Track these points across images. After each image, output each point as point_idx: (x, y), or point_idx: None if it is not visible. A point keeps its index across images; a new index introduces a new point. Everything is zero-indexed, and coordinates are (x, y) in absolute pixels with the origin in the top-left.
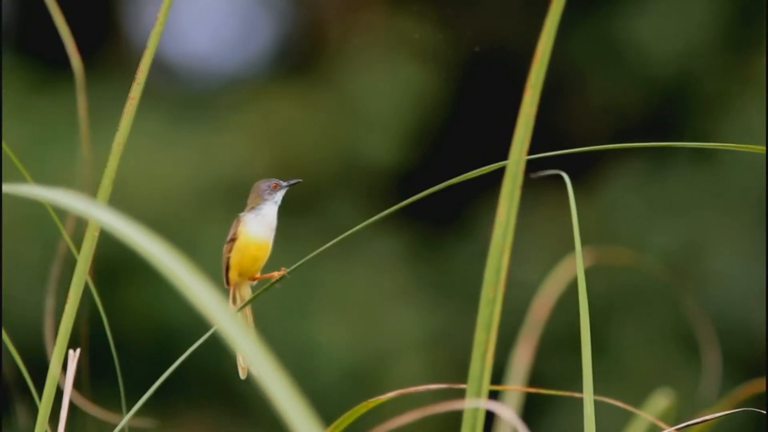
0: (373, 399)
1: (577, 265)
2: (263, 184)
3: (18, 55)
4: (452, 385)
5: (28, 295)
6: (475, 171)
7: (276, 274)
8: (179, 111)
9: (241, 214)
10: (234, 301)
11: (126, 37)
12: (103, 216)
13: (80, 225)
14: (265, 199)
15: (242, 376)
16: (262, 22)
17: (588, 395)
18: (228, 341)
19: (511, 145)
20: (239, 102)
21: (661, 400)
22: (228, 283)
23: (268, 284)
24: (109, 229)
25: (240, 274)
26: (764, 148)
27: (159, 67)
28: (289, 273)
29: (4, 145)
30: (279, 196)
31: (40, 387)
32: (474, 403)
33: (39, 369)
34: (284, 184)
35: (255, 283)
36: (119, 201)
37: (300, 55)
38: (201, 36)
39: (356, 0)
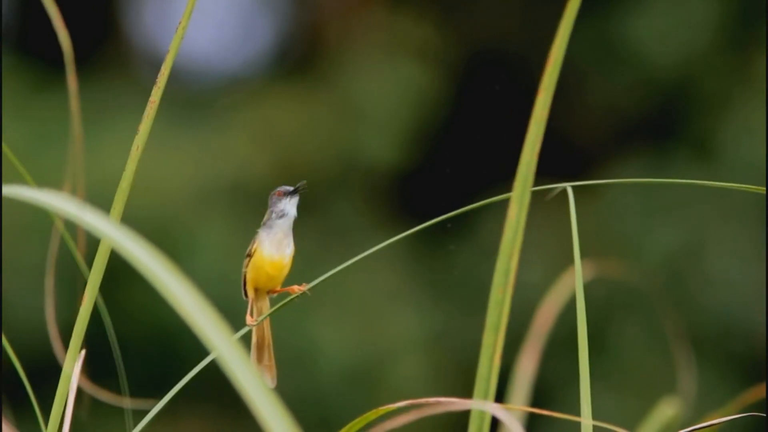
0: (384, 407)
1: (575, 270)
2: (270, 195)
3: (18, 55)
4: (460, 399)
5: (27, 298)
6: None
7: (296, 289)
8: (179, 111)
9: (258, 231)
10: (252, 313)
11: (126, 37)
12: (103, 227)
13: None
14: (273, 213)
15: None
16: (262, 22)
17: (585, 402)
18: (219, 358)
19: (523, 147)
20: (239, 102)
21: (666, 409)
22: (246, 295)
23: (287, 299)
24: (106, 239)
25: (257, 290)
26: (764, 188)
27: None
28: (309, 290)
29: (4, 146)
30: (287, 205)
31: (38, 389)
32: (477, 405)
33: (37, 372)
34: (289, 190)
35: (275, 295)
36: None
37: (300, 55)
38: (201, 36)
39: (356, 0)
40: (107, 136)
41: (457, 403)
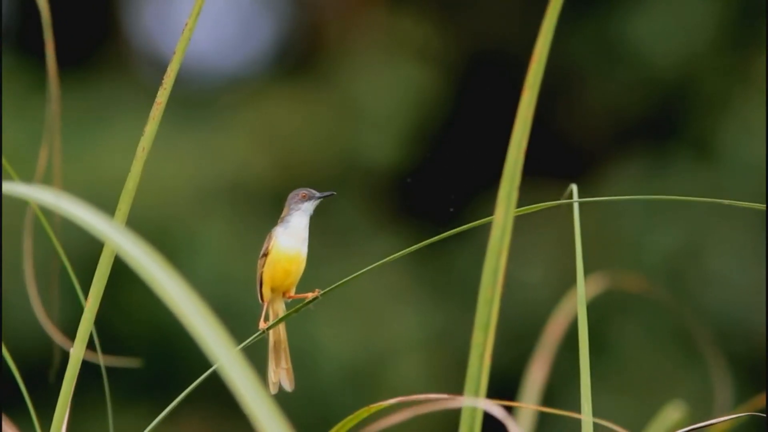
0: (375, 404)
1: (577, 272)
2: (292, 194)
3: (18, 55)
4: (453, 396)
5: (26, 299)
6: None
7: (310, 295)
8: (179, 111)
9: (273, 229)
10: (267, 317)
11: (126, 37)
12: (106, 228)
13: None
14: (293, 210)
15: (271, 390)
16: (262, 22)
17: (586, 401)
18: (218, 364)
19: (509, 146)
20: (239, 102)
21: (673, 412)
22: (262, 298)
23: (301, 304)
24: (107, 239)
25: (273, 289)
26: (764, 205)
27: (159, 67)
28: (322, 294)
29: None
30: (308, 206)
31: (36, 389)
32: (469, 402)
33: (35, 372)
34: (317, 195)
35: (290, 300)
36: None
37: (300, 55)
38: (201, 36)
39: (356, 0)
40: (106, 136)
41: (448, 400)
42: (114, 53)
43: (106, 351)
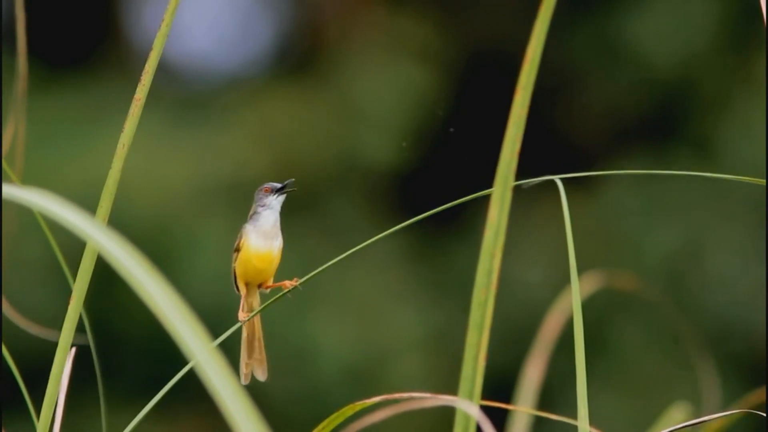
0: (360, 402)
1: (570, 270)
2: (258, 191)
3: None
4: (436, 395)
5: (23, 297)
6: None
7: (288, 284)
8: (179, 111)
9: (243, 225)
10: (244, 309)
11: (126, 37)
12: (94, 233)
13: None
14: (260, 206)
15: (243, 381)
16: (262, 22)
17: (582, 405)
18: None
19: (502, 146)
20: (239, 102)
21: (676, 413)
22: (238, 290)
23: (278, 295)
24: (97, 245)
25: (248, 283)
26: (764, 180)
27: (158, 66)
28: (301, 284)
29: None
30: (272, 200)
31: (35, 389)
32: (458, 403)
33: (34, 372)
34: (278, 186)
35: (268, 291)
36: (118, 200)
37: (300, 55)
38: (201, 36)
39: (356, 0)
40: (106, 136)
41: (430, 399)
42: (114, 53)
43: (105, 350)
